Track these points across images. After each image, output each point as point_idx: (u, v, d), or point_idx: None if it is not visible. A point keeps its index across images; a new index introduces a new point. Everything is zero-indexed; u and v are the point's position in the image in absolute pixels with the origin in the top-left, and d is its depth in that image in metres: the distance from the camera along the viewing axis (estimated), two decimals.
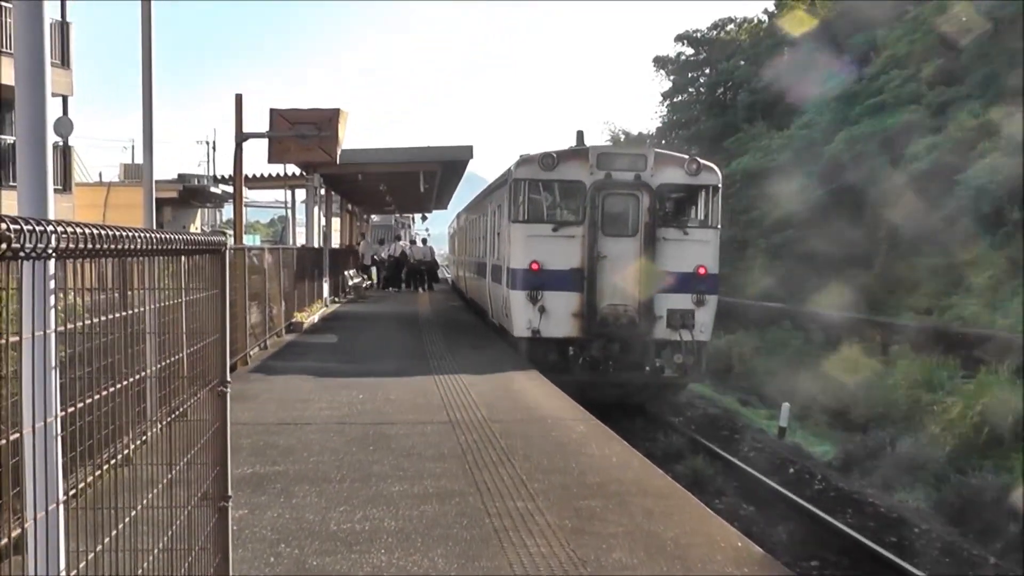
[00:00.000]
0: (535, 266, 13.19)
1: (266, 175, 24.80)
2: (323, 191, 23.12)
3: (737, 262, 25.94)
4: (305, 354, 11.77)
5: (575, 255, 13.17)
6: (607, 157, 13.42)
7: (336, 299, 22.60)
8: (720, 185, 13.67)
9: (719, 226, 13.55)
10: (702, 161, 13.78)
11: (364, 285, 26.05)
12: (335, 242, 30.87)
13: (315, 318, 16.42)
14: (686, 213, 13.74)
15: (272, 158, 13.93)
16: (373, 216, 47.59)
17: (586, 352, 13.20)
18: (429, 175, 22.69)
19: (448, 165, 21.30)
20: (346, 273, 24.73)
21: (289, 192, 29.98)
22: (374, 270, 30.36)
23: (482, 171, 31.02)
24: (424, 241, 31.15)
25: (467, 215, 24.91)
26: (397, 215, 45.86)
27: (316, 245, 20.50)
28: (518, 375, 10.21)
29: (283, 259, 13.56)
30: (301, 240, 27.72)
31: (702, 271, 13.23)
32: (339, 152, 13.87)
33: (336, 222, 30.59)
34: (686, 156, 13.94)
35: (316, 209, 20.73)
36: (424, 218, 42.42)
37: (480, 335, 14.84)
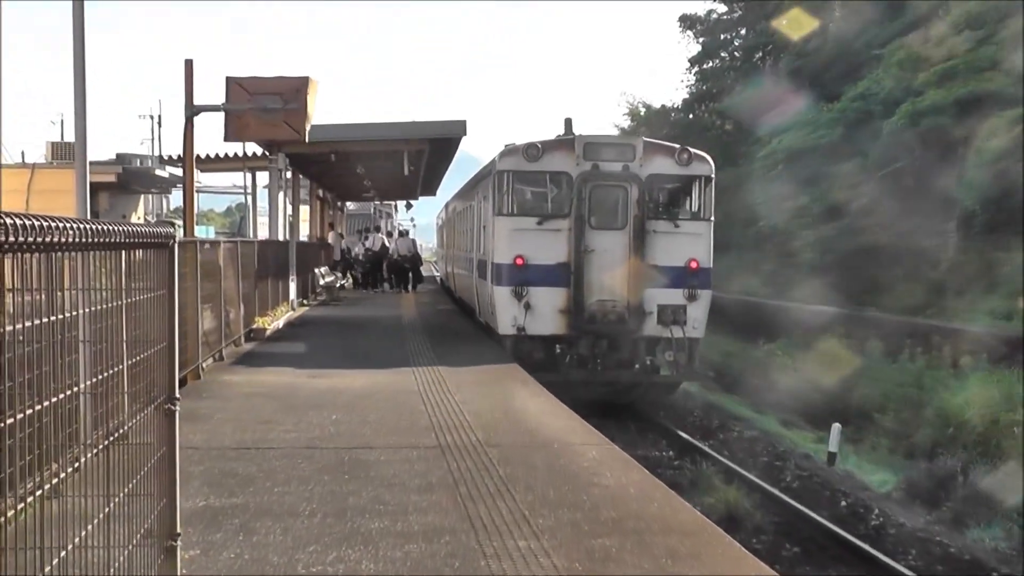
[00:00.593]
0: (520, 261, 14.55)
1: (222, 155, 24.84)
2: (289, 174, 23.17)
3: (781, 258, 25.98)
4: (268, 366, 11.81)
5: (561, 249, 14.51)
6: (594, 147, 14.73)
7: (305, 301, 22.63)
8: (713, 176, 14.93)
9: (712, 218, 14.86)
10: (694, 151, 15.08)
11: (338, 285, 26.10)
12: (304, 234, 30.95)
13: (280, 324, 16.46)
14: (677, 205, 15.02)
15: (229, 135, 13.94)
16: (349, 204, 47.63)
17: (573, 350, 14.56)
18: (415, 155, 22.72)
19: (437, 144, 21.32)
20: (317, 271, 24.78)
21: (249, 176, 30.02)
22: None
23: (479, 152, 31.02)
24: (405, 233, 31.27)
25: (456, 204, 25.16)
26: (377, 203, 45.93)
27: (281, 238, 20.54)
28: (519, 391, 10.24)
29: (242, 254, 13.59)
30: (263, 232, 27.81)
31: (694, 265, 14.63)
32: (308, 128, 13.88)
33: (305, 211, 30.65)
34: (677, 145, 15.20)
35: (281, 195, 20.76)
36: (409, 206, 42.40)
37: (475, 343, 14.91)
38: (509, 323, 14.64)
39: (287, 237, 21.11)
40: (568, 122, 16.01)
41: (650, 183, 14.80)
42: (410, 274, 29.25)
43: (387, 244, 29.02)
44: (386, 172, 27.65)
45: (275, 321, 16.03)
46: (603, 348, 14.77)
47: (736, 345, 21.95)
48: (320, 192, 30.93)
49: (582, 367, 14.66)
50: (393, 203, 55.01)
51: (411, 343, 14.68)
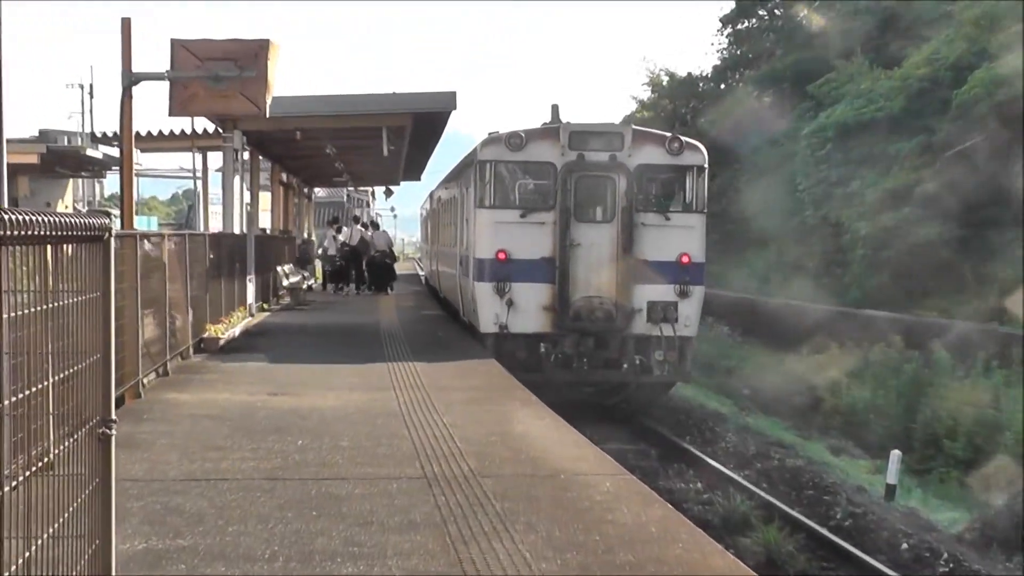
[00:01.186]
0: (502, 255, 16.19)
1: (166, 133, 24.87)
2: (247, 155, 23.22)
3: (830, 255, 26.03)
4: (222, 383, 11.83)
5: (546, 243, 16.10)
6: (580, 136, 16.33)
7: (266, 306, 22.65)
8: (706, 166, 16.49)
9: (705, 210, 16.46)
10: (686, 139, 16.64)
11: (305, 286, 26.14)
12: (264, 225, 30.99)
13: (236, 332, 16.49)
14: (668, 197, 16.68)
15: (174, 109, 13.93)
16: (317, 190, 47.68)
17: (558, 349, 16.14)
18: (396, 133, 22.76)
19: (423, 119, 21.36)
20: (280, 270, 24.82)
21: (199, 157, 30.07)
22: (318, 264, 30.48)
23: (475, 131, 31.07)
24: (378, 225, 31.40)
25: (442, 193, 26.05)
26: (350, 189, 45.96)
27: (237, 230, 20.58)
28: (519, 411, 10.25)
29: (191, 250, 13.61)
30: (216, 224, 27.84)
31: (685, 260, 16.24)
32: (269, 100, 13.88)
33: (265, 198, 30.67)
34: (667, 134, 16.77)
35: (237, 180, 20.80)
36: (388, 193, 42.41)
37: (467, 355, 14.99)
38: (491, 321, 16.16)
39: (244, 229, 21.14)
40: (555, 109, 17.34)
41: (639, 173, 16.26)
42: (385, 274, 29.38)
43: (366, 238, 29.08)
44: (362, 153, 27.71)
45: (230, 329, 16.06)
46: (589, 347, 16.26)
47: (775, 357, 22.01)
48: (283, 176, 30.96)
49: (567, 367, 16.14)
50: (370, 189, 55.10)
51: (392, 355, 14.76)
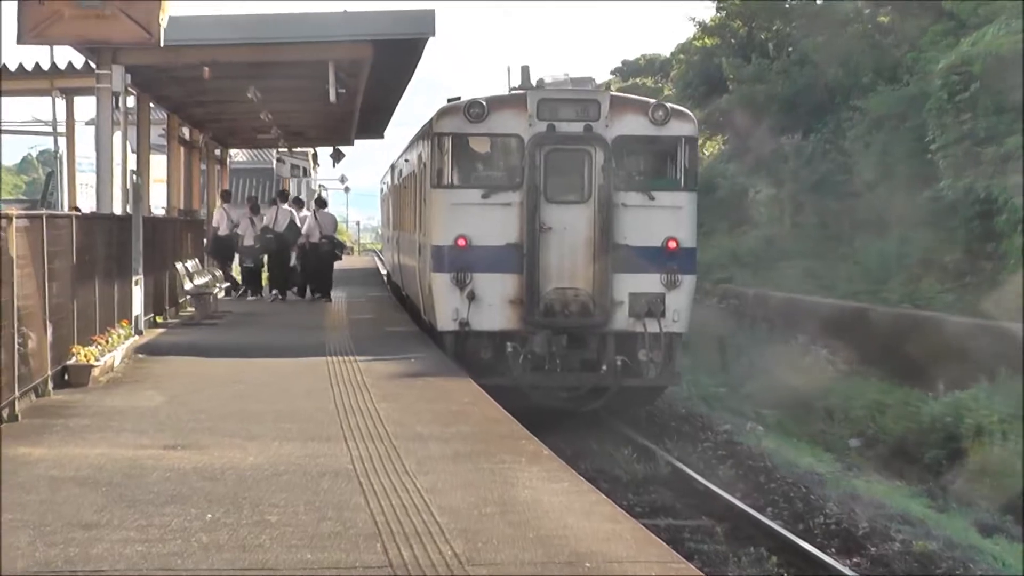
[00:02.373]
0: (462, 242, 19.06)
1: (13, 68, 24.83)
2: (132, 102, 23.18)
3: (976, 243, 25.98)
4: (96, 430, 11.83)
5: (512, 227, 18.96)
6: (550, 104, 19.22)
7: (161, 319, 22.64)
8: (696, 136, 19.48)
9: (695, 188, 19.32)
10: (671, 106, 19.40)
11: (215, 291, 26.15)
12: (157, 202, 30.93)
13: (117, 357, 16.50)
14: (652, 172, 19.72)
15: (26, 34, 13.95)
16: (234, 152, 47.60)
17: (527, 348, 18.93)
18: (349, 70, 22.78)
19: (387, 51, 21.37)
20: (181, 268, 24.81)
21: (61, 103, 30.02)
22: (234, 262, 30.44)
23: (465, 79, 31.13)
24: (324, 203, 31.37)
25: (403, 165, 28.36)
26: (283, 150, 45.95)
27: (119, 210, 20.53)
28: (527, 471, 10.23)
29: (50, 239, 13.61)
30: (88, 201, 27.77)
31: (673, 245, 19.11)
32: (164, 22, 13.89)
33: (159, 164, 30.64)
34: (651, 100, 19.50)
35: (118, 138, 20.77)
36: (337, 157, 42.37)
37: (454, 395, 14.96)
38: (449, 317, 19.12)
39: (129, 209, 21.11)
40: (525, 71, 20.07)
41: (618, 146, 19.11)
42: (331, 271, 29.41)
43: (298, 222, 29.06)
44: (299, 99, 27.72)
45: (109, 353, 16.06)
46: (563, 346, 19.15)
47: (898, 393, 21.99)
48: (185, 132, 30.96)
49: (538, 369, 18.99)
50: (310, 152, 55.05)
51: (342, 390, 14.81)
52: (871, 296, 27.32)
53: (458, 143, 19.57)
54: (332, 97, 22.48)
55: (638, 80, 56.29)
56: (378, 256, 62.44)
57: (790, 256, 32.13)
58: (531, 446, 11.53)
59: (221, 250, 30.24)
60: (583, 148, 19.27)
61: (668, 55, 55.43)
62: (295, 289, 29.63)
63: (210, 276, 27.18)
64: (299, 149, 46.35)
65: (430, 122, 20.53)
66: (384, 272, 44.34)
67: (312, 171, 58.81)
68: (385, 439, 11.55)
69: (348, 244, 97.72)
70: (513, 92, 19.90)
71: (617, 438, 19.50)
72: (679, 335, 19.50)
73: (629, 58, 65.91)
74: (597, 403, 19.53)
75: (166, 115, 28.80)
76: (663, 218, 19.35)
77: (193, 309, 24.89)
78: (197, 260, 27.74)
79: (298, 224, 29.10)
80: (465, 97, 20.06)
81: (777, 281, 30.72)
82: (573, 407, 19.49)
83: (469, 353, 19.06)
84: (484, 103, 19.43)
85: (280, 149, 44.31)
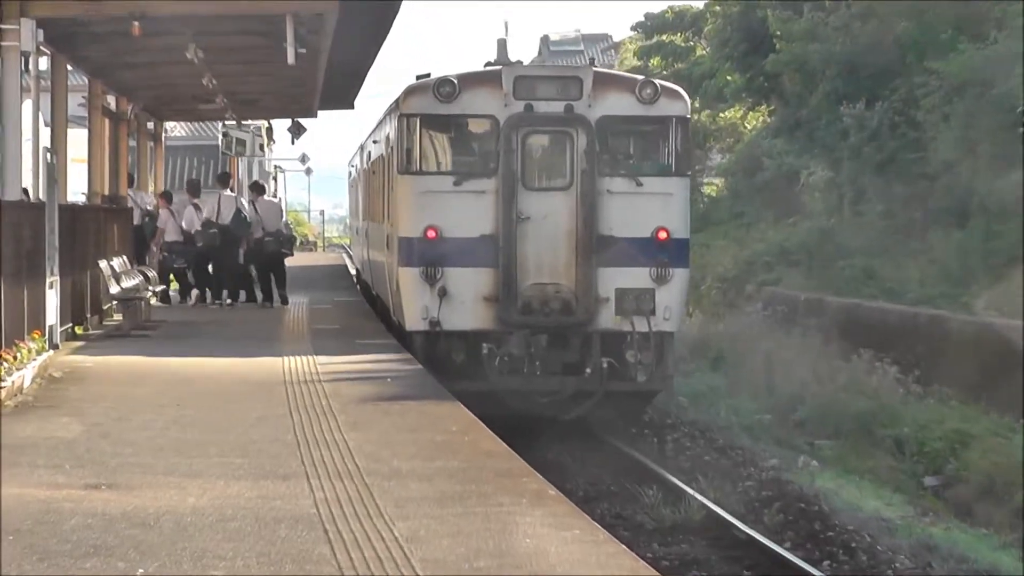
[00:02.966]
0: (432, 233, 20.78)
1: None
2: (45, 63, 23.08)
3: None
4: None
5: (486, 217, 20.70)
6: (528, 82, 21.07)
7: (82, 329, 22.58)
8: (688, 116, 21.55)
9: (688, 173, 21.85)
10: (661, 83, 21.30)
11: (147, 295, 26.11)
12: (77, 187, 30.86)
13: (26, 378, 16.47)
14: (640, 156, 21.79)
15: None
16: (172, 125, 47.52)
17: (504, 350, 20.58)
18: (309, 25, 22.63)
19: (356, 6, 21.29)
20: (105, 268, 24.75)
21: None
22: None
23: (457, 42, 31.38)
24: (262, 189, 31.44)
25: (372, 146, 30.14)
26: (231, 124, 45.90)
27: (27, 196, 20.45)
28: (530, 515, 10.20)
29: None
30: None
31: (663, 235, 20.85)
32: None
33: (79, 139, 30.59)
34: (638, 77, 21.63)
35: (27, 107, 20.72)
36: (297, 131, 42.33)
37: (442, 421, 14.96)
38: (418, 316, 20.90)
39: (41, 195, 21.06)
40: (501, 45, 22.88)
41: (603, 128, 20.83)
42: (283, 272, 29.54)
43: (244, 212, 29.06)
44: (250, 61, 27.61)
45: (16, 372, 16.03)
46: (543, 347, 20.82)
47: (985, 421, 21.97)
48: (111, 102, 30.91)
49: (515, 373, 20.63)
50: (264, 125, 54.97)
51: (303, 417, 14.81)
52: (950, 302, 27.31)
53: (427, 125, 21.36)
54: (290, 58, 22.41)
55: (664, 37, 56.27)
56: (347, 252, 62.40)
57: (850, 253, 32.10)
58: (534, 485, 11.50)
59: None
60: (564, 130, 20.90)
61: (701, 6, 55.41)
62: (239, 293, 29.62)
63: (141, 278, 27.11)
64: (251, 122, 46.24)
65: (396, 101, 22.39)
66: (353, 271, 44.42)
67: (266, 149, 58.73)
68: (356, 476, 11.53)
69: (311, 238, 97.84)
70: (487, 68, 21.78)
71: (639, 475, 19.50)
72: (670, 334, 21.29)
73: (654, 10, 65.88)
74: (581, 410, 21.02)
75: (87, 80, 28.71)
76: (652, 206, 21.00)
77: (120, 317, 24.82)
78: (125, 258, 27.67)
79: (246, 214, 29.05)
80: (448, 67, 21.79)
81: (834, 283, 30.73)
82: (554, 414, 20.93)
83: (440, 355, 20.81)
84: (455, 81, 20.99)
85: (227, 122, 44.18)
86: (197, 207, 29.73)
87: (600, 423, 22.08)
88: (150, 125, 37.66)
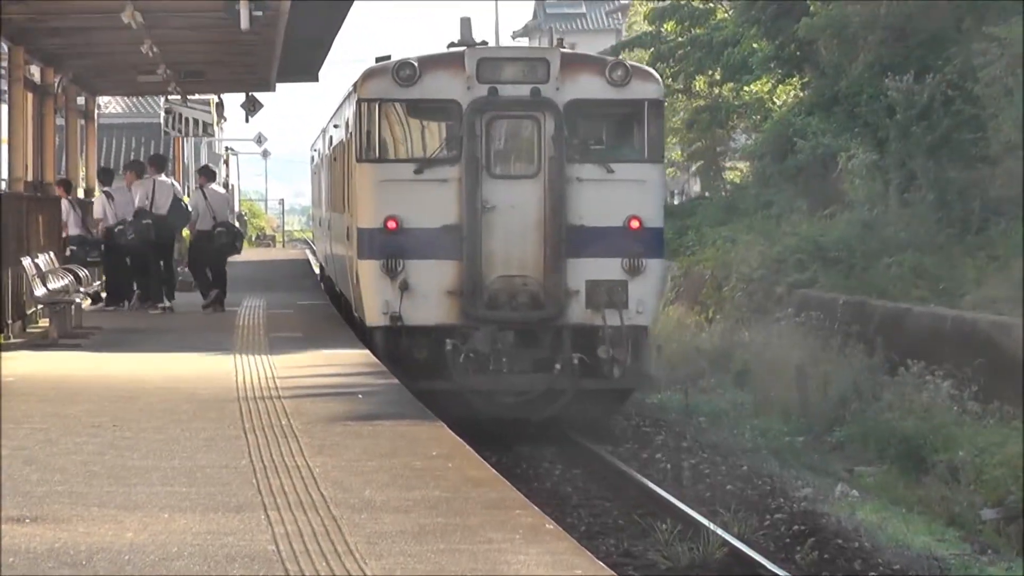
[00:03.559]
0: (392, 224, 22.83)
1: None
2: None
3: None
4: None
5: (449, 207, 22.75)
6: (492, 64, 23.11)
7: (2, 337, 22.58)
8: (662, 98, 24.28)
9: (661, 159, 24.28)
10: (633, 64, 24.08)
11: (80, 299, 26.11)
12: None
13: None
14: (611, 142, 24.25)
15: None
16: (106, 100, 47.37)
17: (469, 346, 22.64)
18: None
19: None
20: (28, 267, 24.76)
21: None
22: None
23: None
24: (211, 174, 31.57)
25: (333, 131, 32.20)
26: (175, 98, 46.00)
27: None
28: (523, 553, 10.24)
29: None
30: None
31: (636, 225, 23.01)
32: None
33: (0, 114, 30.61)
34: (608, 59, 24.05)
35: None
36: (252, 107, 42.36)
37: (419, 446, 14.99)
38: (379, 311, 22.97)
39: None
40: (465, 23, 24.26)
41: (572, 112, 22.88)
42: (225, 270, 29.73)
43: (184, 202, 29.19)
44: (198, 25, 27.60)
45: None
46: (510, 343, 22.85)
47: None
48: (35, 72, 30.90)
49: (482, 370, 22.67)
50: (213, 100, 54.97)
51: (260, 442, 14.85)
52: (1015, 306, 27.30)
53: (386, 110, 23.54)
54: (244, 23, 22.49)
55: None
56: (311, 247, 62.50)
57: (897, 249, 32.08)
58: (528, 518, 11.52)
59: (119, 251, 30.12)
60: (530, 115, 23.07)
61: None
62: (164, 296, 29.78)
63: (71, 278, 27.10)
64: (198, 97, 46.29)
65: (355, 85, 24.46)
66: (318, 268, 44.76)
67: (216, 127, 58.67)
68: (321, 508, 11.55)
69: (269, 232, 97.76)
70: (450, 50, 23.74)
71: (651, 505, 19.55)
72: (645, 328, 23.60)
73: None
74: (552, 410, 23.08)
75: (6, 48, 28.73)
76: (624, 194, 23.23)
77: (47, 323, 24.82)
78: (52, 255, 27.67)
79: (187, 205, 29.15)
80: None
81: (878, 285, 30.71)
82: (523, 414, 23.20)
83: (402, 352, 22.93)
84: (415, 63, 23.05)
85: (171, 97, 44.24)
86: (109, 196, 29.77)
87: (606, 444, 22.32)
88: (80, 100, 37.68)
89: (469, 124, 22.49)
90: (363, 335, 24.78)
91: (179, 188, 29.74)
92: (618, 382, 23.21)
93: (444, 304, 22.70)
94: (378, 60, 23.90)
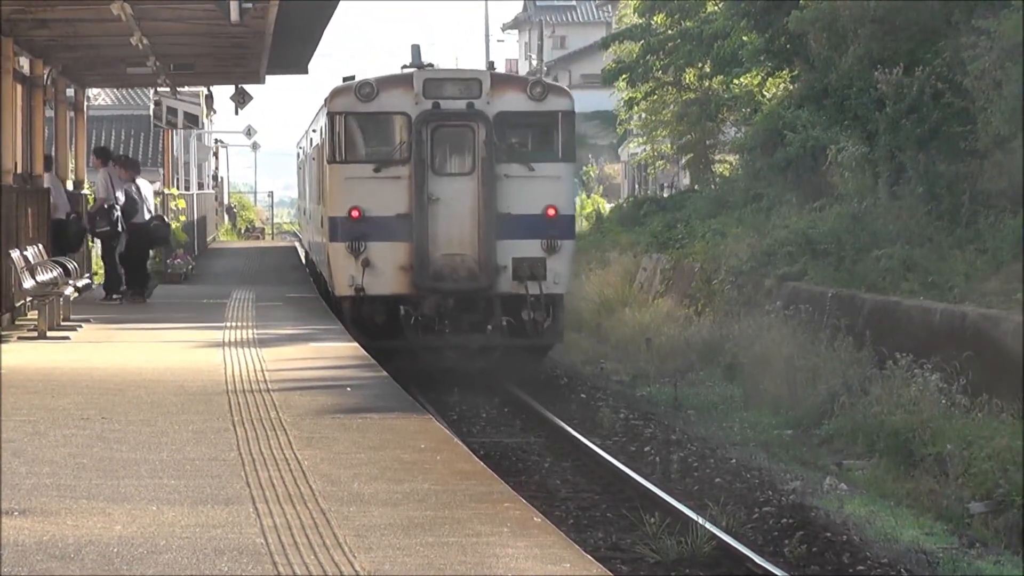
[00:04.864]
0: (356, 213, 28.65)
1: None
2: None
3: None
4: None
5: (402, 199, 28.63)
6: (435, 83, 28.99)
7: None
8: (573, 110, 29.94)
9: (574, 159, 30.39)
10: (549, 82, 30.17)
11: (69, 291, 26.07)
12: None
13: None
14: (532, 145, 29.98)
15: None
16: (95, 92, 47.21)
17: (419, 311, 28.41)
18: None
19: None
20: (16, 259, 24.71)
21: None
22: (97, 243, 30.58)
23: None
24: (132, 165, 32.16)
25: (313, 131, 37.39)
26: (165, 90, 45.91)
27: None
28: (511, 546, 10.24)
29: None
30: None
31: (552, 212, 29.04)
32: None
33: None
34: (529, 78, 34.16)
35: None
36: (241, 99, 42.32)
37: (407, 438, 14.97)
38: (346, 283, 28.68)
39: None
40: (415, 50, 30.90)
41: (500, 122, 28.98)
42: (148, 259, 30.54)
43: (132, 193, 29.63)
44: (187, 17, 27.52)
45: None
46: (451, 309, 28.66)
47: None
48: (24, 64, 30.84)
49: (428, 331, 28.59)
50: (203, 92, 54.88)
51: (249, 435, 14.89)
52: (1004, 299, 27.30)
53: (350, 121, 29.48)
54: (234, 15, 22.46)
55: None
56: (299, 239, 62.74)
57: (886, 242, 32.06)
58: (517, 511, 11.53)
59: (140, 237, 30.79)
60: (467, 124, 28.91)
61: None
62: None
63: (60, 270, 27.05)
64: (187, 89, 46.20)
65: (325, 100, 30.62)
66: (304, 257, 45.89)
67: (205, 119, 58.58)
68: (310, 501, 11.56)
69: (258, 224, 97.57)
70: (402, 72, 29.90)
71: (639, 499, 19.57)
72: (560, 296, 29.66)
73: None
74: (486, 363, 28.92)
75: None
76: (543, 188, 29.34)
77: (36, 316, 24.79)
78: (41, 247, 27.62)
79: (135, 198, 29.64)
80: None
81: (868, 277, 30.70)
82: (463, 366, 28.71)
83: (365, 317, 28.64)
84: (373, 83, 29.12)
85: (161, 89, 44.15)
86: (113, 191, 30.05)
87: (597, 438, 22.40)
88: (70, 92, 37.59)
89: (417, 132, 28.47)
90: (333, 304, 30.64)
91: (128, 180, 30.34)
92: (539, 340, 29.47)
93: (398, 278, 28.64)
94: (344, 80, 29.82)
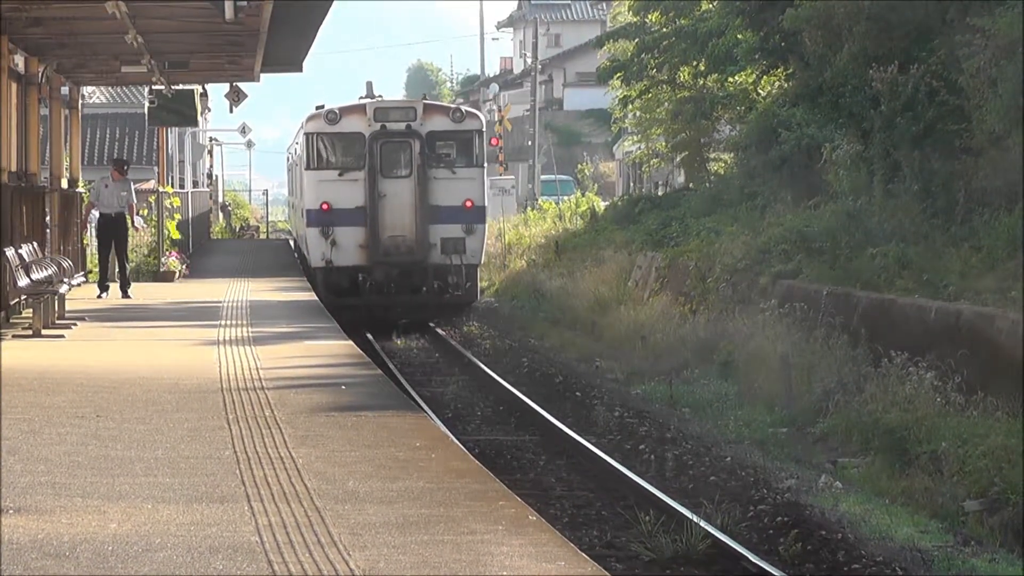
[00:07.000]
0: (326, 206, 40.81)
1: None
2: None
3: None
4: None
5: (359, 195, 40.79)
6: (382, 111, 41.69)
7: None
8: (484, 129, 44.11)
9: (484, 165, 43.72)
10: (466, 109, 45.67)
11: (64, 289, 26.06)
12: None
13: None
14: (453, 155, 42.27)
15: None
16: (90, 90, 47.16)
17: (372, 278, 40.66)
18: None
19: None
20: (11, 257, 24.70)
21: None
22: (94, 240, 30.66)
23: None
24: (119, 166, 32.82)
25: (297, 143, 48.47)
26: (159, 88, 45.90)
27: None
28: (506, 544, 10.24)
29: None
30: None
31: (469, 204, 41.52)
32: None
33: None
34: (452, 106, 49.14)
35: None
36: (236, 97, 42.64)
37: (401, 439, 14.97)
38: (319, 258, 40.45)
39: None
40: (369, 86, 45.48)
41: (430, 138, 40.94)
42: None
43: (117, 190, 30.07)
44: (181, 15, 27.49)
45: None
46: (396, 276, 40.37)
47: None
48: (18, 62, 30.79)
49: (379, 293, 40.40)
50: (197, 90, 54.91)
51: (244, 433, 14.93)
52: (999, 297, 27.30)
53: (320, 139, 41.43)
54: (228, 13, 22.43)
55: None
56: (293, 241, 63.10)
57: (881, 240, 32.06)
58: (511, 509, 11.54)
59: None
60: (406, 140, 40.48)
61: None
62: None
63: (54, 268, 27.04)
64: (182, 87, 46.18)
65: (302, 124, 43.34)
66: (292, 244, 54.89)
67: (201, 118, 58.57)
68: (304, 499, 11.56)
69: (253, 223, 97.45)
70: (359, 102, 42.02)
71: (634, 497, 19.58)
72: (475, 266, 41.98)
73: None
74: (421, 315, 41.86)
75: None
76: (462, 186, 41.09)
77: (31, 314, 24.79)
78: (35, 245, 27.61)
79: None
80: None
81: (862, 275, 30.69)
82: (406, 318, 41.49)
83: (332, 283, 40.27)
84: (338, 111, 41.01)
85: (155, 87, 44.13)
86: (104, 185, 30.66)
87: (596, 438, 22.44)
88: (65, 90, 37.58)
89: (369, 146, 40.26)
90: (309, 275, 42.62)
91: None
92: (460, 298, 41.80)
93: (357, 253, 40.35)
94: (316, 108, 42.03)
